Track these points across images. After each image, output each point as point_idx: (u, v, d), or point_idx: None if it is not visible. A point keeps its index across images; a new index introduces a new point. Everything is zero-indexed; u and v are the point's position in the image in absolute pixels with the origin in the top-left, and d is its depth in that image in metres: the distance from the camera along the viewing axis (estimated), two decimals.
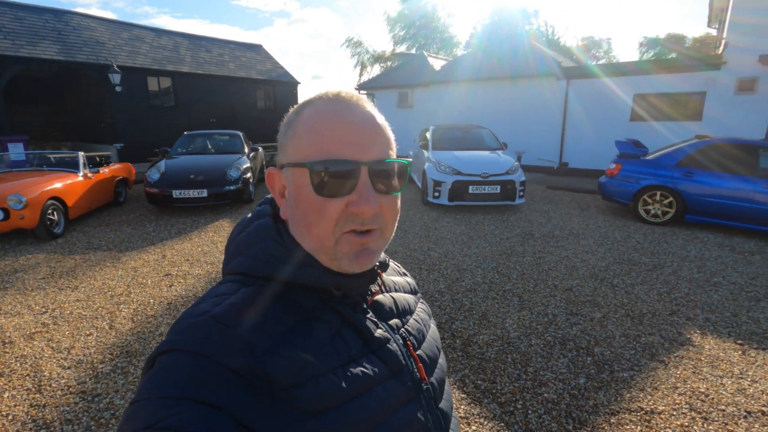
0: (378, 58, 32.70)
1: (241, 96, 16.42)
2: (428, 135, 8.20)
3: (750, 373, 2.73)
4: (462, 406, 2.42)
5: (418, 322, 0.66)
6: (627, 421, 2.29)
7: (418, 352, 0.61)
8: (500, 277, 4.31)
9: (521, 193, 6.99)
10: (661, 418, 2.30)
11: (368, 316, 0.57)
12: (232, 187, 6.91)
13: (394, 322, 0.61)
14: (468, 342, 3.09)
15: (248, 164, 7.61)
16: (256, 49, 19.05)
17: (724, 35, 9.36)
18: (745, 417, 2.31)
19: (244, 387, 0.43)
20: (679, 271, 4.50)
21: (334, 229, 0.50)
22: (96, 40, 12.84)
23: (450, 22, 37.47)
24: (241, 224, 0.62)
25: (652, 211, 6.29)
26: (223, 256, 0.72)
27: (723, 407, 2.39)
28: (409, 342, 0.60)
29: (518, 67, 11.95)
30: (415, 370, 0.58)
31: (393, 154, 0.55)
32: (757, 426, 2.25)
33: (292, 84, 18.39)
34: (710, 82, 9.30)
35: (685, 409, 2.38)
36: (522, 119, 12.03)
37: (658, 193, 6.20)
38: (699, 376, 2.68)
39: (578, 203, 7.86)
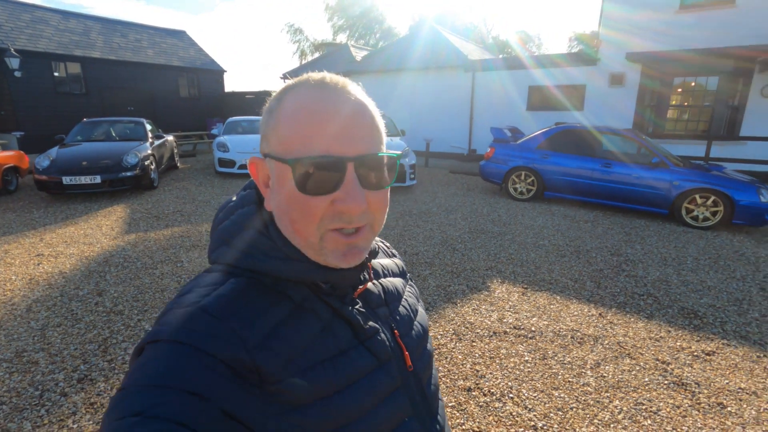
0: (319, 47, 32.59)
1: (161, 84, 15.95)
2: None
3: (518, 307, 3.44)
4: None
5: (406, 309, 0.65)
6: None
7: (405, 340, 0.60)
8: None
9: (412, 175, 7.63)
10: None
11: (357, 306, 0.56)
12: (129, 174, 6.97)
13: (383, 310, 0.61)
14: None
15: (149, 151, 7.65)
16: (179, 35, 18.46)
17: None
18: (489, 336, 2.99)
19: (233, 379, 0.43)
20: (518, 237, 5.28)
21: (318, 226, 0.49)
22: None
23: (388, 13, 38.02)
24: (224, 209, 0.60)
25: (519, 189, 7.16)
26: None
27: (478, 331, 3.06)
28: (396, 331, 0.60)
29: (431, 59, 12.65)
30: (402, 358, 0.59)
31: (382, 145, 0.52)
32: (495, 341, 2.92)
33: (217, 72, 18.05)
34: (589, 76, 10.45)
35: (450, 334, 3.02)
36: (435, 109, 12.78)
37: (523, 173, 7.07)
38: (476, 312, 3.35)
39: (467, 185, 8.66)
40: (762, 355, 2.84)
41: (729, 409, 2.33)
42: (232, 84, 60.69)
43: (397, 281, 0.68)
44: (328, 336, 0.52)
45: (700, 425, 2.20)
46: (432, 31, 14.18)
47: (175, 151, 10.02)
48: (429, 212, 6.41)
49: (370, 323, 0.56)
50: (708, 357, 2.81)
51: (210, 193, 7.58)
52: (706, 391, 2.46)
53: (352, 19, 33.63)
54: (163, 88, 16.02)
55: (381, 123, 0.53)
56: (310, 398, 0.47)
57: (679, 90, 9.83)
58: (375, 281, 0.63)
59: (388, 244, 0.77)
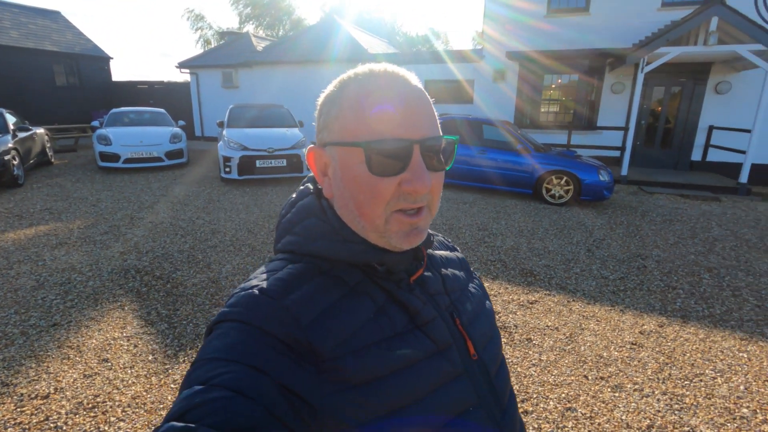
0: (224, 35, 30.82)
1: (31, 70, 14.12)
2: (225, 114, 8.44)
3: None
4: (136, 329, 2.90)
5: (469, 299, 0.66)
6: None
7: (467, 329, 0.61)
8: (249, 234, 4.91)
9: None
10: None
11: (414, 292, 0.57)
12: None
13: (443, 298, 0.61)
14: (177, 284, 3.58)
15: (10, 145, 6.84)
16: (52, 15, 16.40)
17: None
18: None
19: (290, 355, 0.46)
20: None
21: (385, 208, 0.51)
22: None
23: (300, 3, 37.14)
24: (286, 206, 0.63)
25: None
26: None
27: None
28: (457, 319, 0.61)
29: (331, 52, 12.79)
30: (465, 346, 0.59)
31: (439, 130, 0.55)
32: None
33: (102, 59, 16.40)
34: (476, 72, 11.38)
35: None
36: None
37: None
38: None
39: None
40: (572, 299, 3.50)
41: (534, 342, 2.87)
42: (124, 73, 55.01)
43: (458, 273, 0.69)
44: (383, 318, 0.53)
45: (509, 356, 2.69)
46: (333, 25, 14.32)
47: (48, 145, 9.03)
48: None
49: (427, 308, 0.57)
50: (530, 305, 3.39)
51: (89, 189, 7.01)
52: (520, 331, 3.00)
53: (260, 8, 32.36)
54: (35, 76, 14.19)
55: (434, 109, 0.56)
56: (365, 378, 0.48)
57: (551, 86, 11.13)
58: (434, 270, 0.64)
59: (447, 239, 0.79)
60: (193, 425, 0.39)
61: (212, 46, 30.31)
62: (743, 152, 7.97)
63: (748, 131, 7.93)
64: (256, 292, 0.50)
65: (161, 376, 2.43)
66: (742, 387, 2.46)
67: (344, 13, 28.42)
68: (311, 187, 0.62)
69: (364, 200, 0.51)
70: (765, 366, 2.66)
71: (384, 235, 0.53)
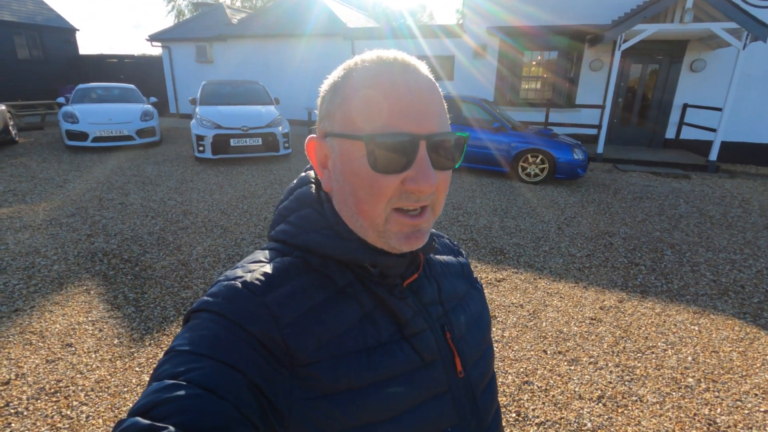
0: (199, 6, 29.52)
1: None
2: (198, 91, 8.18)
3: None
4: (101, 313, 2.87)
5: (465, 312, 0.62)
6: None
7: (457, 344, 0.58)
8: (222, 215, 4.85)
9: (286, 144, 7.64)
10: None
11: (406, 299, 0.54)
12: None
13: (436, 308, 0.58)
14: (146, 267, 3.54)
15: None
16: None
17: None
18: None
19: (264, 355, 0.44)
20: None
21: (385, 206, 0.48)
22: None
23: None
24: (286, 192, 0.61)
25: None
26: None
27: None
28: (447, 332, 0.57)
29: (309, 26, 12.41)
30: (452, 362, 0.56)
31: (449, 126, 0.50)
32: None
33: (67, 30, 15.60)
34: (457, 47, 11.23)
35: None
36: (317, 77, 12.62)
37: None
38: None
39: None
40: (538, 277, 3.60)
41: (498, 318, 2.96)
42: (92, 46, 52.44)
43: (458, 282, 0.65)
44: (368, 325, 0.50)
45: None
46: None
47: (11, 123, 8.63)
48: None
49: (417, 318, 0.54)
50: (498, 283, 3.47)
51: (55, 169, 6.78)
52: None
53: None
54: None
55: (444, 103, 0.52)
56: (340, 387, 0.46)
57: (531, 63, 11.08)
58: (431, 277, 0.60)
59: (454, 242, 0.75)
60: (158, 423, 0.37)
61: (186, 17, 29.07)
62: (714, 130, 8.15)
63: (720, 109, 8.08)
64: (239, 284, 0.48)
65: (126, 360, 2.43)
66: (690, 358, 2.59)
67: None
68: (312, 174, 0.59)
69: (363, 197, 0.48)
70: (713, 338, 2.81)
71: (383, 235, 0.50)
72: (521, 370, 2.45)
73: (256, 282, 0.48)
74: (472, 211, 5.30)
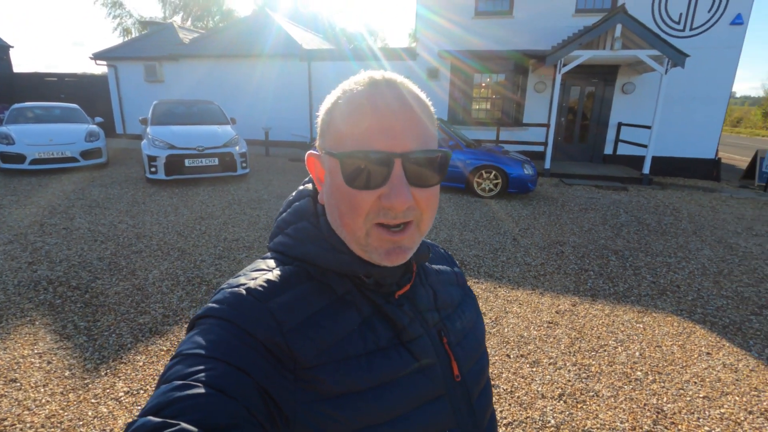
0: (147, 25, 28.67)
1: None
2: (149, 111, 7.92)
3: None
4: (49, 344, 2.68)
5: (460, 318, 0.64)
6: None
7: (454, 349, 0.59)
8: (178, 237, 4.69)
9: (243, 164, 7.52)
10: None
11: (402, 306, 0.56)
12: None
13: (432, 315, 0.60)
14: (97, 294, 3.35)
15: None
16: None
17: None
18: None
19: (270, 359, 0.45)
20: None
21: (364, 221, 0.50)
22: None
23: None
24: (285, 204, 0.62)
25: None
26: None
27: None
28: (444, 338, 0.59)
29: (265, 47, 12.43)
30: (449, 366, 0.58)
31: (434, 142, 0.52)
32: None
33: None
34: (411, 70, 11.64)
35: None
36: (273, 97, 12.65)
37: None
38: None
39: (304, 172, 8.92)
40: (498, 286, 3.76)
41: None
42: (28, 63, 49.31)
43: (454, 290, 0.67)
44: (367, 331, 0.52)
45: None
46: (266, 18, 13.91)
47: None
48: (260, 200, 6.46)
49: (414, 324, 0.56)
50: None
51: None
52: None
53: None
54: None
55: (433, 120, 0.53)
56: (342, 390, 0.48)
57: (481, 85, 11.68)
58: (427, 284, 0.62)
59: (449, 253, 0.76)
60: (172, 421, 0.38)
61: (133, 36, 28.14)
62: (646, 146, 8.93)
63: (649, 127, 8.89)
64: (243, 291, 0.49)
65: (80, 392, 2.28)
66: (637, 353, 2.81)
67: (277, 7, 27.66)
68: (310, 188, 0.61)
69: (344, 210, 0.50)
70: (656, 333, 3.05)
71: (365, 249, 0.51)
72: None
73: (260, 288, 0.50)
74: (432, 225, 5.44)
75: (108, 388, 2.32)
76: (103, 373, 2.44)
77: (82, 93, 14.49)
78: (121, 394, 2.28)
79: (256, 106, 12.68)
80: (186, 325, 2.95)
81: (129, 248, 4.33)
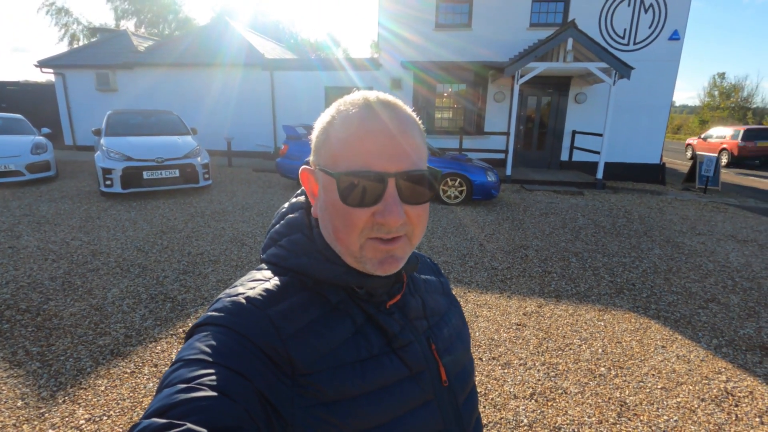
0: (97, 32, 27.37)
1: None
2: (103, 121, 7.57)
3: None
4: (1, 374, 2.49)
5: (447, 326, 0.66)
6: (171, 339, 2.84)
7: (442, 355, 0.62)
8: (138, 253, 4.48)
9: (206, 175, 7.31)
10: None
11: (393, 315, 0.58)
12: None
13: (421, 323, 0.62)
14: (50, 317, 3.14)
15: None
16: None
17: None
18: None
19: (269, 366, 0.47)
20: None
21: (359, 236, 0.52)
22: None
23: (187, 2, 34.59)
24: (277, 216, 0.63)
25: None
26: None
27: None
28: (433, 344, 0.61)
29: (226, 56, 12.19)
30: (437, 372, 0.60)
31: (424, 162, 0.54)
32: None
33: None
34: (374, 79, 11.77)
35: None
36: (235, 107, 12.40)
37: None
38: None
39: (268, 182, 8.79)
40: (467, 291, 3.85)
41: None
42: None
43: (439, 298, 0.70)
44: (360, 339, 0.54)
45: None
46: (226, 26, 13.67)
47: None
48: (224, 211, 6.29)
49: (404, 332, 0.58)
50: None
51: None
52: None
53: (139, 3, 29.40)
54: None
55: (424, 139, 0.56)
56: (337, 396, 0.50)
57: (443, 94, 11.97)
58: (416, 294, 0.64)
59: (434, 262, 0.79)
60: (178, 421, 0.38)
61: (81, 43, 26.82)
62: (598, 153, 9.44)
63: (601, 135, 9.41)
64: (243, 300, 0.51)
65: (36, 422, 2.13)
66: (600, 350, 2.95)
67: (237, 15, 27.27)
68: (303, 200, 0.63)
69: (339, 226, 0.52)
70: (616, 330, 3.22)
71: (360, 260, 0.53)
72: None
73: (259, 297, 0.52)
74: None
75: (67, 417, 2.18)
76: (60, 401, 2.29)
77: (25, 102, 13.62)
78: (82, 421, 2.15)
79: (217, 116, 12.38)
80: (152, 345, 2.82)
81: (84, 266, 4.09)
